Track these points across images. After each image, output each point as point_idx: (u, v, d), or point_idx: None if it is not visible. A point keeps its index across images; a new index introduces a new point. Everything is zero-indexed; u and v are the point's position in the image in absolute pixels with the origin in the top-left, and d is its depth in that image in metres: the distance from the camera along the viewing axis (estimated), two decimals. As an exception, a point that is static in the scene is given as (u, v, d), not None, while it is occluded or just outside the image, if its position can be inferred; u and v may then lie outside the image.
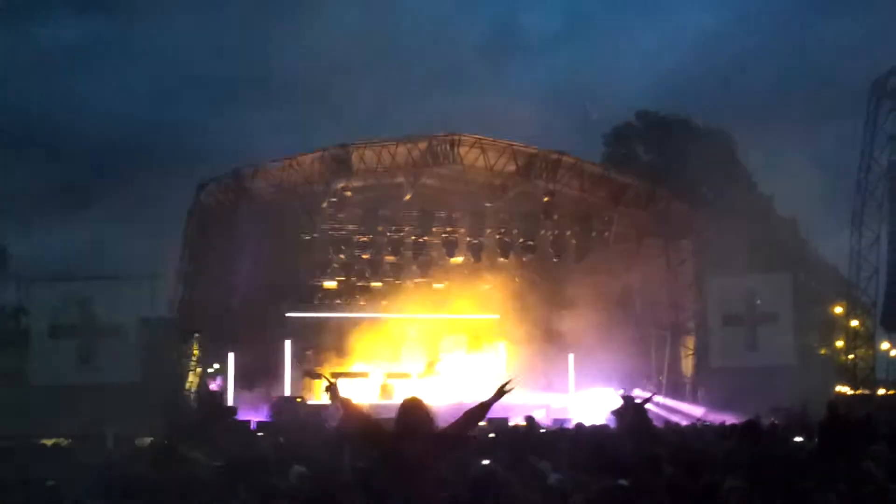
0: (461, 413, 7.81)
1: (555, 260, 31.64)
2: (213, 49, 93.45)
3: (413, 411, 7.45)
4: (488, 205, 31.90)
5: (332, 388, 8.05)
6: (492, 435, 18.23)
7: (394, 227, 31.36)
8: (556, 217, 30.87)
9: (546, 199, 30.01)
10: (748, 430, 11.85)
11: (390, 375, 32.13)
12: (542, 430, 18.71)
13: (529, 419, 17.17)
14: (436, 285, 33.72)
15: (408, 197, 31.14)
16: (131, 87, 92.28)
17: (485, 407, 7.78)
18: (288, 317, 32.52)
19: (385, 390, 30.71)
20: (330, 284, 33.08)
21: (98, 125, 77.92)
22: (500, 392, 7.84)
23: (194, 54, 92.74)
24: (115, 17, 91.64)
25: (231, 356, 29.86)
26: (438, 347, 32.81)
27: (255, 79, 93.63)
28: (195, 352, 27.77)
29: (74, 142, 75.64)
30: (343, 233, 30.98)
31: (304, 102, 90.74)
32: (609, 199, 30.70)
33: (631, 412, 16.97)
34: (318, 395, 30.05)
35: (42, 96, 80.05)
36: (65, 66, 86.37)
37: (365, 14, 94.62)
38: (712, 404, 26.84)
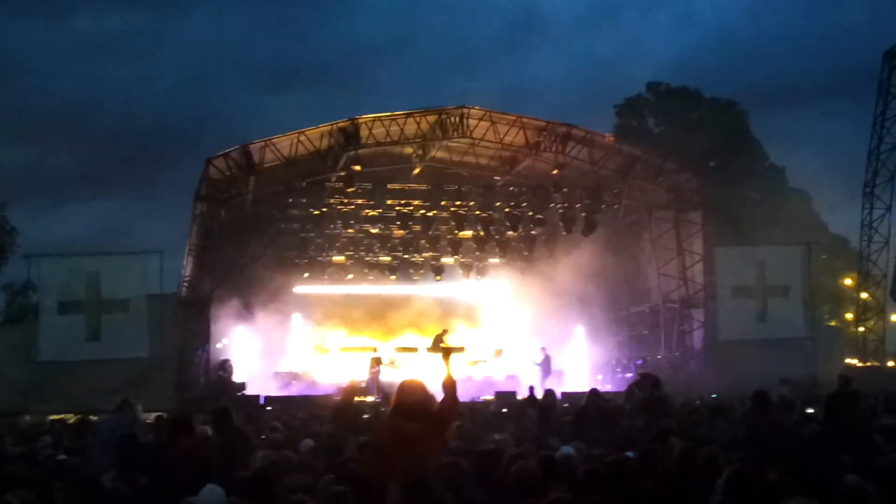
0: (465, 386, 7.96)
1: (564, 233, 31.49)
2: (237, 36, 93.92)
3: (410, 392, 7.55)
4: (497, 178, 31.78)
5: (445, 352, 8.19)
6: (504, 410, 18.28)
7: (403, 201, 31.25)
8: (565, 190, 30.66)
9: (555, 171, 29.82)
10: (757, 401, 11.79)
11: (399, 349, 32.22)
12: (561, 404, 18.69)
13: (549, 393, 17.17)
14: (444, 259, 33.67)
15: (417, 170, 31.03)
16: (150, 74, 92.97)
17: (450, 379, 7.87)
18: (296, 291, 32.56)
19: (393, 364, 30.77)
20: (339, 259, 33.07)
21: (116, 109, 78.69)
22: (447, 355, 8.02)
23: (218, 42, 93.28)
24: (143, 8, 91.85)
25: (239, 331, 29.90)
26: (447, 321, 32.82)
27: (276, 64, 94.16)
28: (203, 327, 27.76)
29: (91, 124, 76.42)
30: (352, 207, 30.90)
31: (325, 86, 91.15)
32: (619, 172, 30.52)
33: (646, 385, 16.94)
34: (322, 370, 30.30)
35: (64, 82, 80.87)
36: (85, 54, 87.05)
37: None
38: (722, 377, 26.74)
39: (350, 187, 29.78)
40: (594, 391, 15.73)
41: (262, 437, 12.35)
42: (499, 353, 32.75)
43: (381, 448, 7.68)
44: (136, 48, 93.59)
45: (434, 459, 7.35)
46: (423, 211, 31.39)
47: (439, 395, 7.73)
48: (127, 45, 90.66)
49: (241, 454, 9.50)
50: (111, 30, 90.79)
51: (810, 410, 15.29)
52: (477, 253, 33.35)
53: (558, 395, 25.63)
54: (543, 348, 29.78)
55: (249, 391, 27.10)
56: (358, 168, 29.14)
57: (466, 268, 33.80)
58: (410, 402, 7.52)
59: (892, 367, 32.90)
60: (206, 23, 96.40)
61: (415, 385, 7.68)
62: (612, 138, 32.27)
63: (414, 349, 32.27)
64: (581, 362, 31.74)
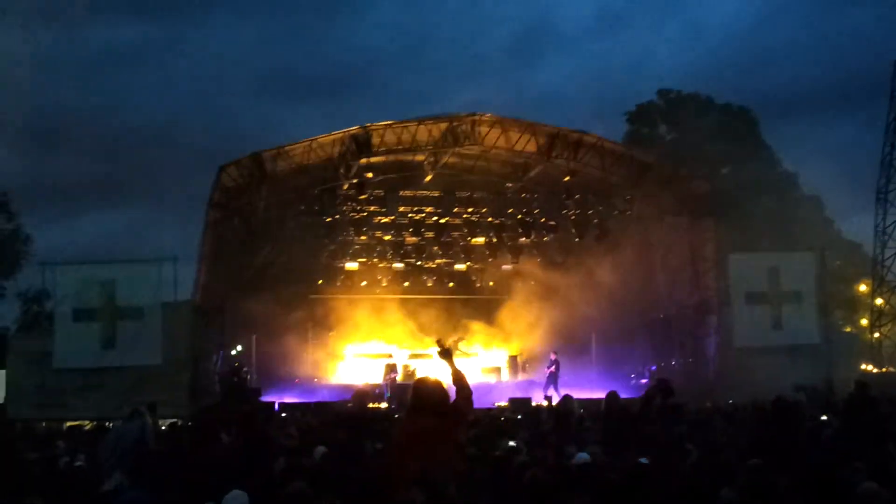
0: (479, 393, 7.95)
1: (577, 239, 31.50)
2: (249, 46, 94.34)
3: (426, 389, 7.60)
4: (509, 185, 31.80)
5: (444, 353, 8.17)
6: (519, 416, 18.26)
7: (415, 208, 31.35)
8: (577, 196, 30.69)
9: (567, 178, 29.81)
10: (774, 408, 11.75)
11: (412, 356, 32.22)
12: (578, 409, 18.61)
13: (567, 398, 17.12)
14: (457, 266, 33.68)
15: (429, 177, 31.05)
16: (164, 83, 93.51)
17: (459, 374, 7.90)
18: (310, 298, 32.62)
19: (407, 371, 30.77)
20: (351, 266, 33.12)
21: (131, 118, 79.17)
22: (449, 357, 8.02)
23: (231, 52, 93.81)
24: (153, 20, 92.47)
25: (253, 338, 29.96)
26: (460, 328, 32.81)
27: (288, 73, 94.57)
28: (217, 334, 27.82)
29: (105, 133, 76.85)
30: (364, 214, 30.99)
31: (338, 95, 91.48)
32: (631, 179, 30.46)
33: (661, 392, 16.85)
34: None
35: (79, 92, 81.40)
36: (99, 65, 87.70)
37: (402, 10, 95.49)
38: (736, 383, 26.64)
39: (362, 194, 29.86)
40: (613, 393, 15.55)
41: (279, 443, 12.37)
42: (512, 359, 32.72)
43: (396, 444, 7.72)
44: (149, 59, 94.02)
45: (449, 455, 7.37)
46: (435, 218, 31.49)
47: (453, 394, 7.77)
48: (141, 55, 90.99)
49: (265, 459, 9.54)
50: (125, 41, 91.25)
51: (825, 417, 15.22)
52: (489, 259, 33.36)
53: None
54: (554, 352, 29.78)
55: (264, 397, 27.16)
56: (370, 175, 29.23)
57: (479, 274, 33.80)
58: (426, 397, 7.57)
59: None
60: (218, 34, 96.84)
61: (430, 382, 7.75)
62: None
63: (429, 356, 32.27)
64: (595, 368, 31.68)
